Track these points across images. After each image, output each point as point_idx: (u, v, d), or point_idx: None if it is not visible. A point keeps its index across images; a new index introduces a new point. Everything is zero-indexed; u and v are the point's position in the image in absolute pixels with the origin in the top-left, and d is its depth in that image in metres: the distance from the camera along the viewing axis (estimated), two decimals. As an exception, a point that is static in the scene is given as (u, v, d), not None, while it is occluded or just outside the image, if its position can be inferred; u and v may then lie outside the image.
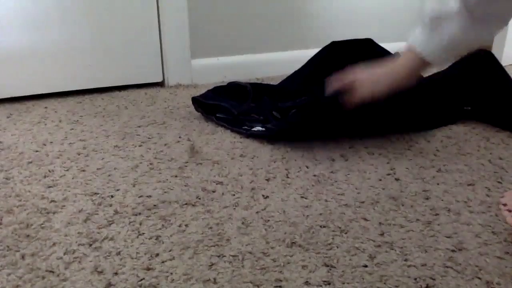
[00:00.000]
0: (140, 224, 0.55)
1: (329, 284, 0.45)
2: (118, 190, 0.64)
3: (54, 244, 0.51)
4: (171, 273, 0.46)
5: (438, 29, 0.70)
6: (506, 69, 0.95)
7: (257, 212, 0.58)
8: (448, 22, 0.69)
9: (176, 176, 0.68)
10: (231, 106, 0.92)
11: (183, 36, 1.24)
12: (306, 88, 0.94)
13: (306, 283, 0.45)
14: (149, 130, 0.89)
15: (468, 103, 0.95)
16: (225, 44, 1.32)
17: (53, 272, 0.46)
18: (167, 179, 0.67)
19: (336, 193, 0.63)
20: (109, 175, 0.68)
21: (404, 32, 1.70)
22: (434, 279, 0.46)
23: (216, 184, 0.66)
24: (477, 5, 0.66)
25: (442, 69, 0.95)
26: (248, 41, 1.36)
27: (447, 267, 0.48)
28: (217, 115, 0.93)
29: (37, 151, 0.78)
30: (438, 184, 0.66)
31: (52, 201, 0.61)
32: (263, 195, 0.63)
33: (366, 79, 0.75)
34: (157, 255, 0.49)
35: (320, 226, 0.55)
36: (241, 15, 1.33)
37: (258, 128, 0.86)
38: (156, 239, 0.52)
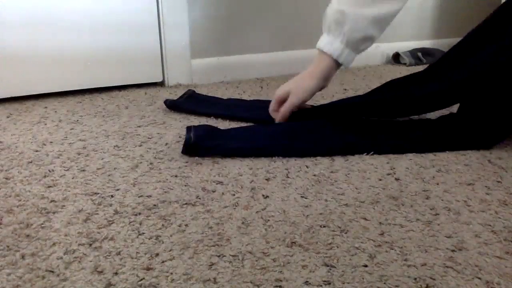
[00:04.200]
0: (140, 224, 0.55)
1: (329, 284, 0.45)
2: (118, 190, 0.64)
3: (54, 244, 0.51)
4: (171, 273, 0.46)
5: (337, 29, 0.83)
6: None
7: (257, 212, 0.58)
8: (344, 21, 0.81)
9: (176, 176, 0.68)
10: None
11: (183, 36, 1.24)
12: None
13: (306, 283, 0.45)
14: (149, 130, 0.89)
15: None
16: (225, 44, 1.32)
17: (53, 272, 0.46)
18: (167, 179, 0.67)
19: (336, 193, 0.63)
20: (109, 175, 0.68)
21: (405, 32, 1.70)
22: (434, 279, 0.46)
23: (216, 184, 0.66)
24: None
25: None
26: (248, 41, 1.36)
27: (447, 267, 0.48)
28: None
29: (37, 151, 0.78)
30: (438, 184, 0.66)
31: (52, 201, 0.61)
32: (263, 195, 0.63)
33: (296, 88, 0.85)
34: (157, 255, 0.49)
35: (320, 226, 0.55)
36: (241, 15, 1.33)
37: None
38: (156, 239, 0.52)
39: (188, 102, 1.04)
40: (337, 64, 0.85)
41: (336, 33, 0.83)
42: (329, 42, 0.83)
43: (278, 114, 0.86)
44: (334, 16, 0.82)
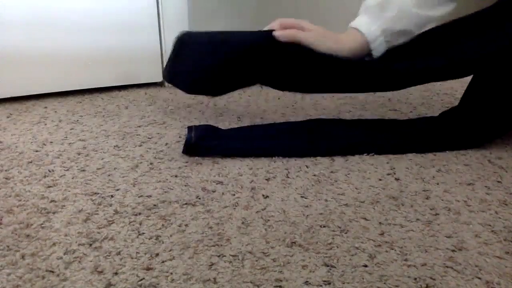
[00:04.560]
0: (140, 224, 0.55)
1: (329, 284, 0.45)
2: (118, 190, 0.64)
3: (54, 244, 0.51)
4: (171, 273, 0.46)
5: (379, 13, 0.76)
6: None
7: (257, 212, 0.58)
8: (389, 7, 0.76)
9: (176, 176, 0.68)
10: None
11: (183, 36, 1.24)
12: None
13: (306, 283, 0.45)
14: (149, 130, 0.89)
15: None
16: (225, 44, 1.32)
17: (53, 272, 0.46)
18: (167, 179, 0.67)
19: (336, 193, 0.63)
20: (109, 175, 0.68)
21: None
22: (434, 279, 0.46)
23: (216, 184, 0.66)
24: None
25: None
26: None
27: (447, 267, 0.48)
28: None
29: (37, 151, 0.78)
30: (438, 184, 0.66)
31: (52, 201, 0.61)
32: (263, 195, 0.63)
33: (315, 29, 0.78)
34: (157, 255, 0.49)
35: (320, 226, 0.55)
36: (242, 15, 1.33)
37: None
38: (156, 239, 0.52)
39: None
40: (366, 51, 0.78)
41: (376, 16, 0.76)
42: (367, 23, 0.77)
43: (282, 32, 0.77)
44: (379, 0, 0.76)
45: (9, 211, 0.58)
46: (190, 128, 0.79)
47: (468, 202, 0.61)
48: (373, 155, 0.76)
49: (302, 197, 0.62)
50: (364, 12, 0.79)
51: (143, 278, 0.46)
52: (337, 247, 0.51)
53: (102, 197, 0.62)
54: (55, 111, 1.01)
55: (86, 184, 0.66)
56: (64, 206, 0.59)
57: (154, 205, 0.60)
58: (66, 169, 0.71)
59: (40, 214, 0.57)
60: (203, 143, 0.76)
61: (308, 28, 0.78)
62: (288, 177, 0.68)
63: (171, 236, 0.53)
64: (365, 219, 0.57)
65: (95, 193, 0.63)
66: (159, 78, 1.26)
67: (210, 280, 0.45)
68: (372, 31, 0.76)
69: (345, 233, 0.54)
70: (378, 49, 0.78)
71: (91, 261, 0.48)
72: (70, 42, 1.11)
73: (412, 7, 0.76)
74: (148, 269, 0.47)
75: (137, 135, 0.86)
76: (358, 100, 1.10)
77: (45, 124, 0.92)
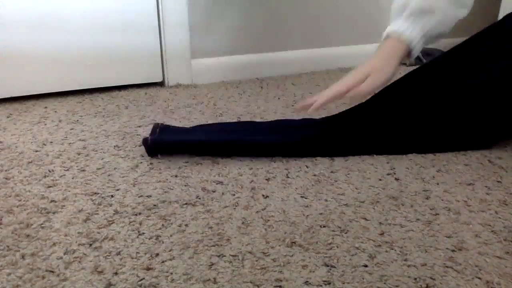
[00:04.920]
0: (140, 224, 0.55)
1: (329, 284, 0.45)
2: (118, 190, 0.64)
3: (54, 244, 0.51)
4: (171, 273, 0.46)
5: (422, 17, 0.76)
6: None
7: (257, 212, 0.58)
8: (433, 12, 0.76)
9: (176, 176, 0.68)
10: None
11: (183, 36, 1.24)
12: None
13: (306, 283, 0.45)
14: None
15: None
16: (225, 44, 1.33)
17: (53, 272, 0.46)
18: (167, 179, 0.67)
19: (336, 193, 0.63)
20: (109, 175, 0.68)
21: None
22: (434, 279, 0.46)
23: (216, 184, 0.66)
24: None
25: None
26: (248, 41, 1.36)
27: (447, 267, 0.48)
28: None
29: (37, 151, 0.78)
30: (438, 184, 0.66)
31: (52, 201, 0.61)
32: (263, 195, 0.63)
33: (378, 71, 0.75)
34: (157, 255, 0.49)
35: (320, 226, 0.55)
36: (241, 15, 1.33)
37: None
38: (156, 239, 0.52)
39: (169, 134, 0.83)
40: (406, 55, 0.78)
41: (418, 21, 0.76)
42: (408, 28, 0.76)
43: (358, 92, 0.75)
44: (420, 4, 0.76)
45: (9, 211, 0.58)
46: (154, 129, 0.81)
47: (468, 202, 0.61)
48: (373, 155, 0.76)
49: (302, 197, 0.62)
50: (402, 16, 0.78)
51: (143, 278, 0.46)
52: (337, 247, 0.51)
53: (102, 197, 0.62)
54: (55, 111, 1.01)
55: (86, 184, 0.66)
56: (64, 206, 0.59)
57: (154, 205, 0.60)
58: (66, 169, 0.71)
59: (40, 214, 0.57)
60: (161, 139, 0.77)
61: (370, 71, 0.76)
62: (288, 177, 0.68)
63: (171, 236, 0.53)
64: (365, 219, 0.57)
65: (95, 193, 0.63)
66: (159, 78, 1.26)
67: (210, 280, 0.45)
68: (415, 36, 0.76)
69: (345, 233, 0.54)
70: (414, 53, 0.78)
71: (91, 261, 0.48)
72: (70, 42, 1.11)
73: (452, 10, 0.76)
74: (148, 269, 0.47)
75: (137, 135, 0.86)
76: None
77: (45, 124, 0.92)
